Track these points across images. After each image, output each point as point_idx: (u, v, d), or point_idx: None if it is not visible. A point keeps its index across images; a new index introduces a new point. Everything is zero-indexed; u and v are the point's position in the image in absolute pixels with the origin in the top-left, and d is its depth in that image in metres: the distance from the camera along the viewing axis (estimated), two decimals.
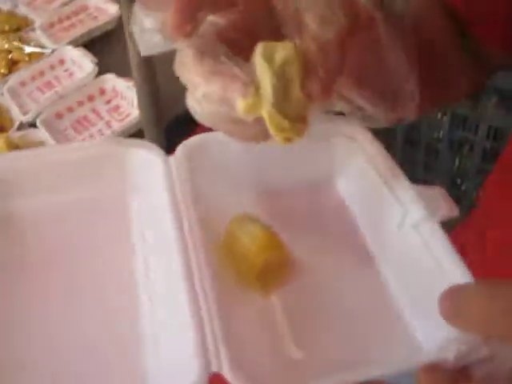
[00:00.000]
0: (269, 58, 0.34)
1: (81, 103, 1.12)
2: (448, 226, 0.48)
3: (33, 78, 1.22)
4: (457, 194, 1.41)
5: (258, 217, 0.45)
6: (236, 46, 0.36)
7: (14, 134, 1.06)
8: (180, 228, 0.40)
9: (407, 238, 0.44)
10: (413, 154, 1.44)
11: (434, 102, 0.65)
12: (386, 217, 0.46)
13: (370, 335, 0.42)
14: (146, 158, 0.48)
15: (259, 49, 0.35)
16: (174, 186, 0.44)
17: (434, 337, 0.39)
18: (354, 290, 0.44)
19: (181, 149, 0.47)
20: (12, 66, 1.25)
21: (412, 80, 0.42)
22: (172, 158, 0.47)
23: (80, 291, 0.44)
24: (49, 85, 1.20)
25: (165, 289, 0.40)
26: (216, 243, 0.43)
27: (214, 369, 0.33)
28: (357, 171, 0.49)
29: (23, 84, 1.21)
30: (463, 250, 0.46)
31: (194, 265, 0.38)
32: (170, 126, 1.02)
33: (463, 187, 1.39)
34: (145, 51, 0.36)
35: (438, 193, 0.44)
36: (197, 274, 0.37)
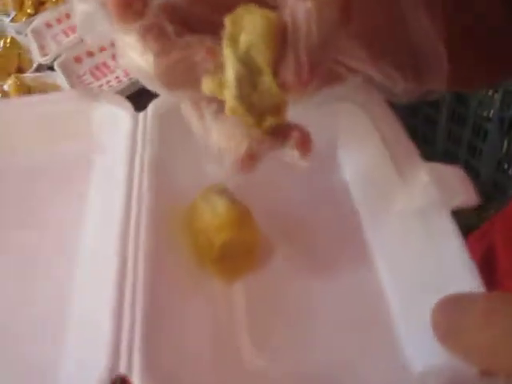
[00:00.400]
0: (234, 37, 0.27)
1: (102, 49, 1.05)
2: (477, 220, 0.40)
3: (58, 21, 1.16)
4: (502, 181, 1.30)
5: (233, 191, 0.38)
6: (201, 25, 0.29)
7: (29, 76, 1.01)
8: (127, 198, 0.34)
9: (410, 228, 0.36)
10: (458, 131, 1.33)
11: (488, 78, 0.56)
12: (388, 200, 0.37)
13: (350, 346, 0.35)
14: (114, 113, 0.41)
15: (226, 24, 0.27)
16: (137, 148, 0.38)
17: (424, 358, 0.32)
18: (338, 290, 0.36)
19: (152, 106, 0.40)
20: (38, 6, 1.20)
21: (439, 45, 0.33)
22: (141, 115, 0.40)
23: (21, 248, 0.38)
24: (74, 29, 1.15)
25: (96, 266, 0.33)
26: (177, 217, 0.36)
27: (123, 371, 0.26)
28: (361, 144, 0.41)
29: (48, 25, 1.16)
30: (489, 251, 0.38)
31: (131, 241, 0.31)
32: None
33: (510, 172, 1.28)
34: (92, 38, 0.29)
35: (456, 174, 0.35)
36: (131, 253, 0.31)
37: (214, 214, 0.35)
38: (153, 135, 0.38)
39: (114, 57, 1.04)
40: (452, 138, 1.35)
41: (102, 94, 0.42)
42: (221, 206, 0.35)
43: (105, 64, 1.03)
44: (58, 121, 0.43)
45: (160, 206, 0.34)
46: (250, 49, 0.26)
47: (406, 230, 0.36)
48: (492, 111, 1.23)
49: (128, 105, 0.41)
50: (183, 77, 0.28)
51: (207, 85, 0.28)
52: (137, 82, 0.94)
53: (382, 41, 0.32)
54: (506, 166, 1.28)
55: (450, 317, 0.24)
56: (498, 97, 1.19)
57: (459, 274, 0.31)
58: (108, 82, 0.99)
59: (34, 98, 0.52)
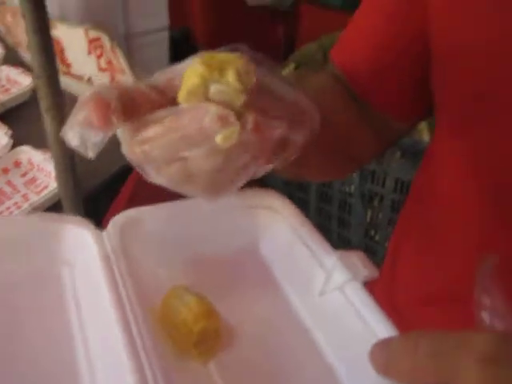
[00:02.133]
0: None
1: None
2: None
3: None
4: (371, 245, 1.47)
5: (191, 286, 0.47)
6: None
7: None
8: (119, 302, 0.41)
9: (333, 301, 0.46)
10: (327, 209, 1.51)
11: (342, 170, 0.72)
12: (311, 282, 0.48)
13: None
14: (78, 232, 0.48)
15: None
16: (110, 261, 0.45)
17: None
18: (287, 353, 0.46)
19: (112, 224, 0.49)
20: None
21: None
22: (104, 233, 0.48)
23: (17, 372, 0.43)
24: None
25: (107, 364, 0.40)
26: (152, 315, 0.44)
27: None
28: (280, 238, 0.52)
29: None
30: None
31: (137, 338, 0.39)
32: (89, 197, 1.02)
33: (376, 238, 1.46)
34: (92, 153, 0.37)
35: (358, 256, 0.47)
36: (140, 347, 0.38)
37: (188, 308, 0.44)
38: (116, 248, 0.46)
39: (9, 183, 1.08)
40: (323, 214, 1.52)
41: (65, 217, 0.50)
42: (192, 301, 0.44)
43: (0, 191, 1.07)
44: (25, 242, 0.49)
45: (145, 310, 0.42)
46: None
47: (331, 303, 0.47)
48: (353, 187, 1.42)
49: (91, 226, 0.49)
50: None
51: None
52: (46, 202, 0.99)
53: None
54: (372, 233, 1.46)
55: (386, 351, 0.34)
56: (356, 174, 1.38)
57: (382, 333, 0.42)
58: (8, 208, 1.03)
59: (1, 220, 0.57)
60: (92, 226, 0.49)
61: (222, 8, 2.02)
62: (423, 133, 1.29)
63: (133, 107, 0.37)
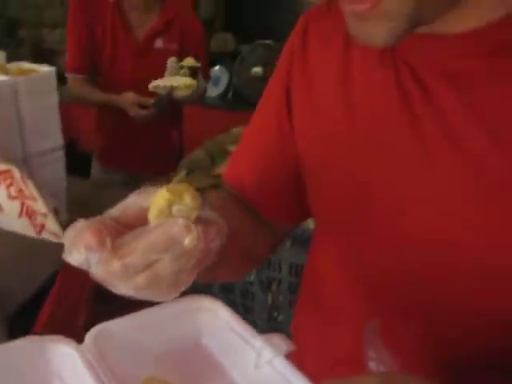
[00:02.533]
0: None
1: None
2: None
3: None
4: (275, 326, 1.61)
5: (159, 376, 0.58)
6: None
7: None
8: None
9: (265, 373, 0.59)
10: (231, 298, 1.63)
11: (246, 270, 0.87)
12: (246, 360, 0.61)
13: None
14: (63, 349, 0.58)
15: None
16: (96, 370, 0.55)
17: None
18: None
19: (88, 338, 0.58)
20: None
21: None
22: (83, 347, 0.58)
23: None
24: None
25: None
26: None
27: None
28: (218, 331, 0.64)
29: None
30: None
31: None
32: (13, 314, 1.09)
33: (279, 318, 1.60)
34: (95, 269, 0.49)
35: (278, 337, 0.61)
36: None
37: None
38: (94, 357, 0.56)
39: None
40: (228, 304, 1.63)
41: (48, 338, 0.59)
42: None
43: None
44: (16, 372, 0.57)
45: None
46: None
47: (264, 376, 0.59)
48: (252, 276, 1.56)
49: (72, 343, 0.58)
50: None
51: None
52: None
53: None
54: (275, 314, 1.60)
55: None
56: None
57: None
58: None
59: None
60: (72, 342, 0.58)
61: (113, 122, 2.16)
62: (309, 221, 1.47)
63: (111, 233, 0.49)
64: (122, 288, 0.50)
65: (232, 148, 1.72)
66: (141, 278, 0.49)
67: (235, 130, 1.97)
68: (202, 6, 4.01)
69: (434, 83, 0.57)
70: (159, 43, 2.04)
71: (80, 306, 1.18)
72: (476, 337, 0.59)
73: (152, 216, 0.50)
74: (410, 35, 0.55)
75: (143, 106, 1.95)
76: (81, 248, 0.47)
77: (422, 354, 0.59)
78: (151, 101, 1.93)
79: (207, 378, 0.62)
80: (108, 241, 0.47)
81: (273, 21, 4.49)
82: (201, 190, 1.35)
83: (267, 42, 3.40)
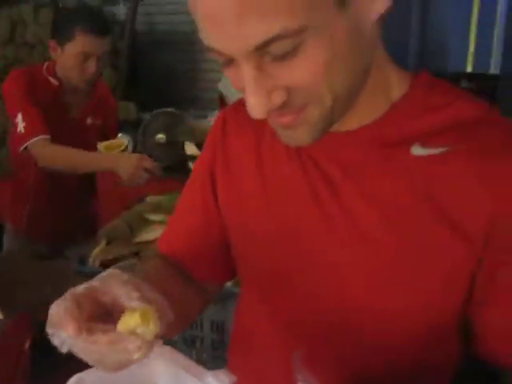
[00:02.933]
0: None
1: None
2: None
3: None
4: None
5: None
6: None
7: None
8: None
9: None
10: None
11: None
12: None
13: None
14: None
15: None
16: None
17: None
18: None
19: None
20: None
21: None
22: None
23: None
24: None
25: None
26: None
27: None
28: (174, 374, 0.76)
29: None
30: None
31: None
32: None
33: None
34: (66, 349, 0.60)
35: (223, 372, 0.72)
36: None
37: None
38: None
39: None
40: None
41: None
42: None
43: None
44: None
45: None
46: None
47: None
48: (176, 335, 1.66)
49: None
50: None
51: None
52: None
53: None
54: None
55: None
56: None
57: None
58: None
59: None
60: None
61: (35, 191, 2.21)
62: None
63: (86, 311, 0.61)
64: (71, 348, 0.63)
65: (150, 216, 1.83)
66: (91, 358, 0.64)
67: (149, 199, 2.09)
68: (103, 75, 4.13)
69: (335, 173, 0.74)
70: (89, 120, 2.24)
71: (21, 357, 1.25)
72: (379, 361, 0.75)
73: (120, 327, 0.64)
74: None
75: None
76: (62, 334, 0.60)
77: (339, 373, 0.75)
78: (155, 164, 2.01)
79: None
80: (82, 328, 0.61)
81: (170, 89, 4.68)
82: (123, 258, 1.50)
83: (167, 109, 3.56)
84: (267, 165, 0.80)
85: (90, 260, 1.73)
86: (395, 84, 0.72)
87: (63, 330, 0.60)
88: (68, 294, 0.63)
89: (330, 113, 0.66)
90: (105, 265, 1.72)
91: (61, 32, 2.05)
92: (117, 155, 2.14)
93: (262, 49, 0.59)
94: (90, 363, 0.65)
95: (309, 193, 0.75)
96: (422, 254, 0.68)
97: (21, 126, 2.04)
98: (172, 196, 2.03)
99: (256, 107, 0.62)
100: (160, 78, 4.74)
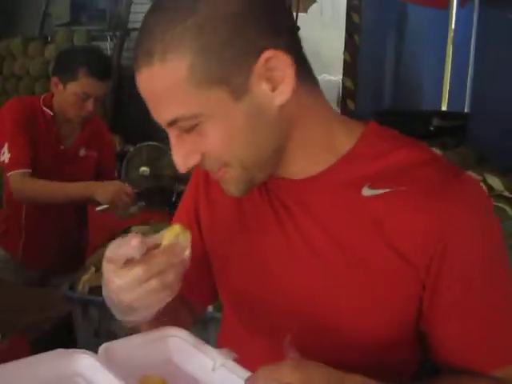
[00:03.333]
0: None
1: None
2: None
3: None
4: None
5: None
6: None
7: None
8: None
9: (224, 374, 0.80)
10: None
11: None
12: (207, 365, 0.83)
13: None
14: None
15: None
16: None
17: None
18: None
19: (100, 350, 0.82)
20: None
21: None
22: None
23: None
24: None
25: None
26: None
27: None
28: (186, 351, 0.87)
29: None
30: None
31: None
32: None
33: None
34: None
35: (226, 349, 0.81)
36: None
37: None
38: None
39: None
40: None
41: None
42: None
43: None
44: None
45: None
46: None
47: (221, 373, 0.81)
48: None
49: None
50: None
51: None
52: None
53: None
54: None
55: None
56: None
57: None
58: None
59: None
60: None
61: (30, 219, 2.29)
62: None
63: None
64: (133, 295, 0.78)
65: None
66: (154, 282, 0.77)
67: (134, 229, 2.22)
68: None
69: (297, 211, 0.87)
70: (82, 152, 2.32)
71: None
72: (344, 358, 0.86)
73: (165, 242, 0.80)
74: (277, 180, 0.86)
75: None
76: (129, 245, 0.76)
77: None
78: (135, 190, 2.12)
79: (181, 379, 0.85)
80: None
81: (153, 122, 4.80)
82: None
83: (151, 143, 3.69)
84: (243, 201, 0.94)
85: (80, 286, 1.84)
86: (343, 137, 0.86)
87: (126, 249, 0.76)
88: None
89: (246, 174, 0.82)
90: (93, 291, 1.84)
91: (64, 70, 2.13)
92: (95, 183, 2.19)
93: (173, 124, 0.79)
94: (127, 316, 0.81)
95: (276, 225, 0.89)
96: (372, 274, 0.82)
97: (6, 156, 2.13)
98: (157, 226, 2.16)
99: (178, 164, 0.81)
100: (144, 111, 4.86)
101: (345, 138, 0.86)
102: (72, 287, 1.87)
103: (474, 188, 0.84)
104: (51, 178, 2.14)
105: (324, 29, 5.11)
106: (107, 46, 5.03)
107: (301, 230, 0.86)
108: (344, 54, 4.68)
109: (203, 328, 1.71)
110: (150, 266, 0.77)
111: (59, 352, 0.84)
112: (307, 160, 0.86)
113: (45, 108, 2.22)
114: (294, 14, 3.30)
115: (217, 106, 0.76)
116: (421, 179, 0.81)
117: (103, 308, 0.87)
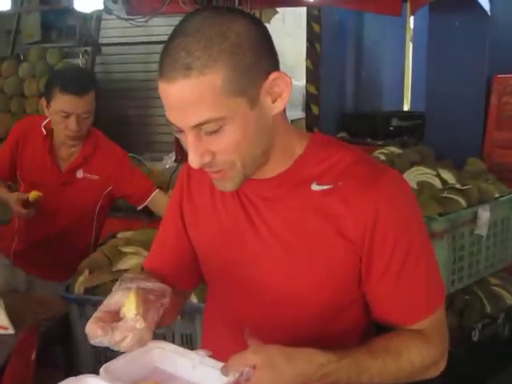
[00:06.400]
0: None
1: None
2: None
3: None
4: None
5: None
6: None
7: None
8: None
9: (203, 369, 1.01)
10: None
11: None
12: (188, 364, 1.02)
13: None
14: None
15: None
16: None
17: None
18: None
19: (101, 370, 0.99)
20: None
21: None
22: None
23: None
24: None
25: None
26: None
27: None
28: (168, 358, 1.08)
29: None
30: None
31: None
32: None
33: None
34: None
35: (202, 350, 1.04)
36: None
37: None
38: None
39: None
40: None
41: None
42: None
43: None
44: None
45: None
46: None
47: (198, 372, 1.04)
48: None
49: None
50: None
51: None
52: None
53: None
54: None
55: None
56: None
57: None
58: None
59: None
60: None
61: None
62: (192, 296, 1.93)
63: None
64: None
65: (125, 249, 2.16)
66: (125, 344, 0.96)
67: (120, 235, 2.42)
68: None
69: (262, 206, 1.09)
70: (80, 174, 2.35)
71: (28, 371, 1.56)
72: (301, 328, 1.09)
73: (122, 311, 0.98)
74: (248, 180, 1.07)
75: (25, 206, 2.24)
76: (93, 337, 0.94)
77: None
78: (31, 201, 2.23)
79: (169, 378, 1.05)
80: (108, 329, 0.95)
81: (126, 134, 4.96)
82: (105, 284, 1.91)
83: (131, 154, 3.87)
84: (218, 200, 1.15)
85: (76, 287, 2.04)
86: (297, 145, 1.09)
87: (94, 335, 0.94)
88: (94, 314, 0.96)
89: (242, 172, 1.03)
90: (88, 291, 2.03)
91: (47, 91, 2.25)
92: (6, 195, 2.33)
93: (197, 127, 0.96)
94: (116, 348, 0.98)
95: (246, 219, 1.11)
96: (325, 254, 1.05)
97: None
98: (142, 232, 2.37)
99: (193, 161, 0.99)
100: (117, 123, 5.05)
101: (297, 145, 1.10)
102: (68, 289, 2.06)
103: (398, 179, 1.09)
104: (54, 199, 2.28)
105: (287, 37, 5.35)
106: (79, 62, 5.19)
107: (267, 223, 1.08)
108: (306, 61, 4.94)
109: (190, 321, 1.92)
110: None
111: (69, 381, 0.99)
112: (275, 162, 1.08)
113: (42, 128, 2.34)
114: None
115: (238, 111, 0.96)
116: (354, 175, 1.05)
117: (98, 307, 1.01)
